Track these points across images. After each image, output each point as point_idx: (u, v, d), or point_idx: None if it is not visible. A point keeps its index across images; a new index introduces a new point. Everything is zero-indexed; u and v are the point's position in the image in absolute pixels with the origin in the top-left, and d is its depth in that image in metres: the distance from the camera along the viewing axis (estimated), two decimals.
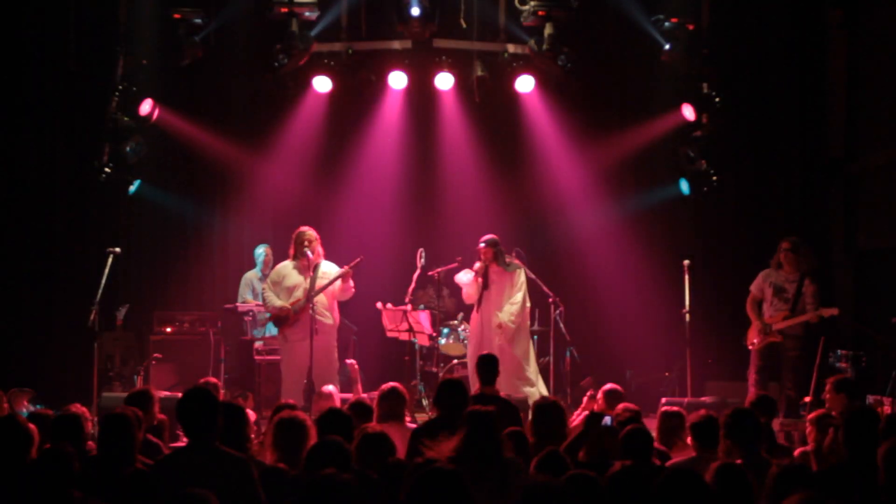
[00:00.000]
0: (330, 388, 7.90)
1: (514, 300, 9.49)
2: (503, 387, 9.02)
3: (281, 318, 9.13)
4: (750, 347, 9.29)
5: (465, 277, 9.72)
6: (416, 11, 10.24)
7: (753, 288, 9.40)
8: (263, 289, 9.50)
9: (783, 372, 9.19)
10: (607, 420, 5.32)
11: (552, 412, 5.77)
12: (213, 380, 7.34)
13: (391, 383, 6.44)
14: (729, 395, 9.17)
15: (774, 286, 9.27)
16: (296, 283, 9.13)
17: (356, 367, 9.55)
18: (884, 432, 4.75)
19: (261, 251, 10.96)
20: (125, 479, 4.43)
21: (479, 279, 9.54)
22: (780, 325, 9.13)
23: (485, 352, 9.04)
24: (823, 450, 5.60)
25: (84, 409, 5.34)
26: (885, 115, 10.80)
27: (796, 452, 6.08)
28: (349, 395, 8.08)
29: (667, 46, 10.71)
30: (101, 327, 9.24)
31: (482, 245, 9.52)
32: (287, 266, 9.28)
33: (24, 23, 11.04)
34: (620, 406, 6.44)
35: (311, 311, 8.86)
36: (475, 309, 9.61)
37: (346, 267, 9.08)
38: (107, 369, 10.26)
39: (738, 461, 4.69)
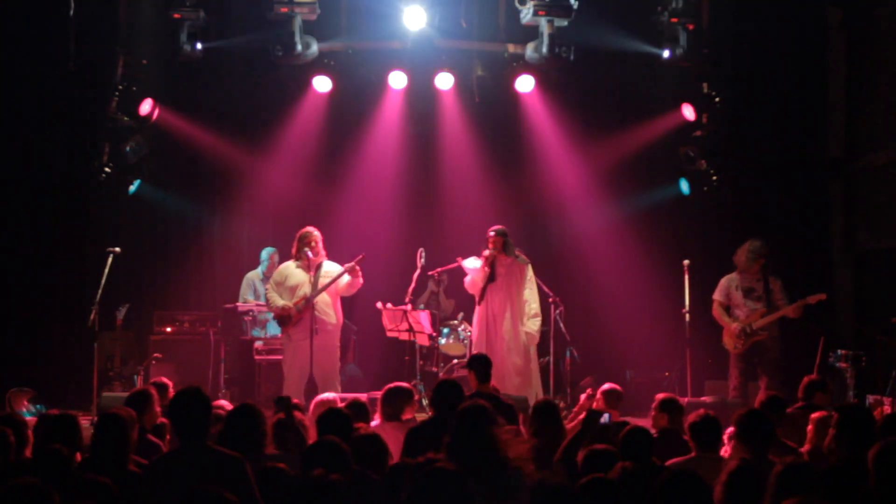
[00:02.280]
0: (330, 395, 7.63)
1: (533, 308, 9.33)
2: (511, 384, 9.02)
3: (284, 318, 9.14)
4: (734, 351, 9.17)
5: (471, 264, 9.49)
6: (417, 15, 10.38)
7: (719, 296, 9.28)
8: (267, 289, 9.51)
9: (768, 371, 9.05)
10: (605, 418, 5.33)
11: (551, 412, 5.81)
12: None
13: (396, 382, 6.46)
14: (728, 395, 9.17)
15: (743, 289, 9.18)
16: (298, 282, 9.14)
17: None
18: (881, 432, 4.75)
19: (266, 255, 10.95)
20: (118, 480, 4.41)
21: (486, 269, 9.32)
22: (760, 322, 9.07)
23: (492, 347, 9.05)
24: (823, 450, 5.59)
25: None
26: (885, 115, 10.80)
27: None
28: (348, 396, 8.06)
29: (666, 54, 10.74)
30: (101, 327, 9.24)
31: (491, 234, 9.34)
32: (290, 266, 9.29)
33: (24, 23, 11.04)
34: (608, 385, 6.53)
35: (313, 311, 8.88)
36: (477, 301, 9.44)
37: (352, 262, 9.05)
38: (107, 369, 10.27)
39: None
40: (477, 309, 9.48)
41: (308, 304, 8.95)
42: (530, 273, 9.46)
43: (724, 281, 9.34)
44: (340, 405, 6.17)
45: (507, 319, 9.34)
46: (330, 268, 9.19)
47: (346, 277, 9.05)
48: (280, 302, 9.13)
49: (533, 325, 9.35)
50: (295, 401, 6.25)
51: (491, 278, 9.34)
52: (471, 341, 9.97)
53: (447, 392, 5.79)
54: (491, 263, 9.34)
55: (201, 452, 4.41)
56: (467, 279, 9.54)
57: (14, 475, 4.02)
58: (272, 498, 4.34)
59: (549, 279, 10.05)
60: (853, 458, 4.52)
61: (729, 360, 9.31)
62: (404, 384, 6.60)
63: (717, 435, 5.36)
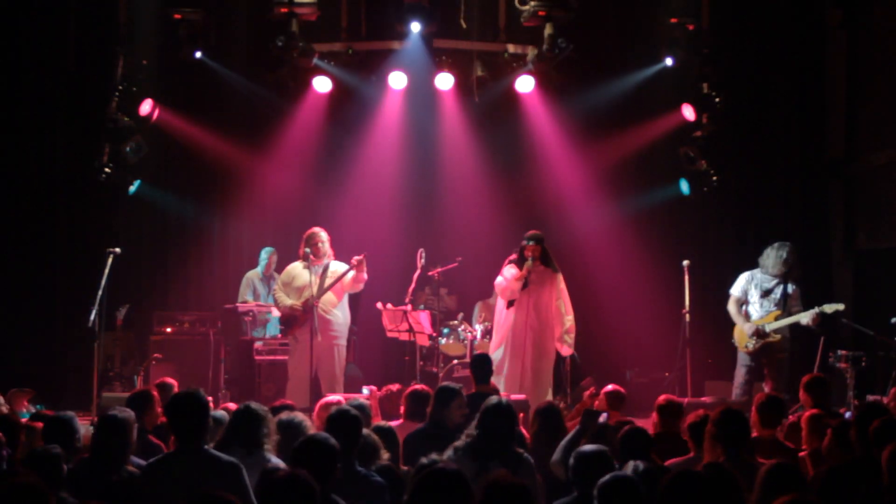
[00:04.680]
0: (336, 397, 7.23)
1: (569, 320, 9.18)
2: (526, 387, 9.01)
3: (290, 319, 9.16)
4: (745, 351, 9.07)
5: (507, 273, 9.22)
6: (415, 27, 10.38)
7: (737, 291, 9.15)
8: (274, 290, 9.57)
9: (773, 373, 8.99)
10: (604, 417, 5.34)
11: (553, 415, 5.85)
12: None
13: (416, 384, 6.51)
14: (729, 395, 9.16)
15: (762, 288, 9.12)
16: (305, 282, 9.17)
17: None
18: (884, 433, 4.75)
19: (265, 255, 10.96)
20: (116, 482, 4.41)
21: (523, 280, 9.07)
22: (774, 325, 9.04)
23: (517, 353, 9.00)
24: (822, 451, 5.58)
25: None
26: (885, 115, 10.81)
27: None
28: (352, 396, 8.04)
29: (669, 61, 10.76)
30: (101, 327, 9.24)
31: (531, 243, 9.08)
32: (297, 267, 9.34)
33: (24, 23, 11.05)
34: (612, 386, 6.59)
35: (317, 311, 8.90)
36: (505, 305, 9.25)
37: (354, 259, 9.02)
38: (107, 369, 10.27)
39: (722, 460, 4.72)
40: (506, 313, 9.27)
41: (311, 304, 8.96)
42: (562, 283, 9.29)
43: (743, 277, 9.20)
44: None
45: (539, 327, 9.17)
46: (336, 268, 9.21)
47: (350, 274, 9.06)
48: (288, 301, 9.20)
49: (570, 339, 9.22)
50: (289, 402, 6.25)
51: (523, 284, 9.15)
52: (470, 341, 9.97)
53: (445, 398, 5.82)
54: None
55: (198, 457, 4.39)
56: (499, 281, 9.28)
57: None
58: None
59: None
60: (863, 457, 4.53)
61: (735, 359, 9.25)
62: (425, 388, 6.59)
63: None
